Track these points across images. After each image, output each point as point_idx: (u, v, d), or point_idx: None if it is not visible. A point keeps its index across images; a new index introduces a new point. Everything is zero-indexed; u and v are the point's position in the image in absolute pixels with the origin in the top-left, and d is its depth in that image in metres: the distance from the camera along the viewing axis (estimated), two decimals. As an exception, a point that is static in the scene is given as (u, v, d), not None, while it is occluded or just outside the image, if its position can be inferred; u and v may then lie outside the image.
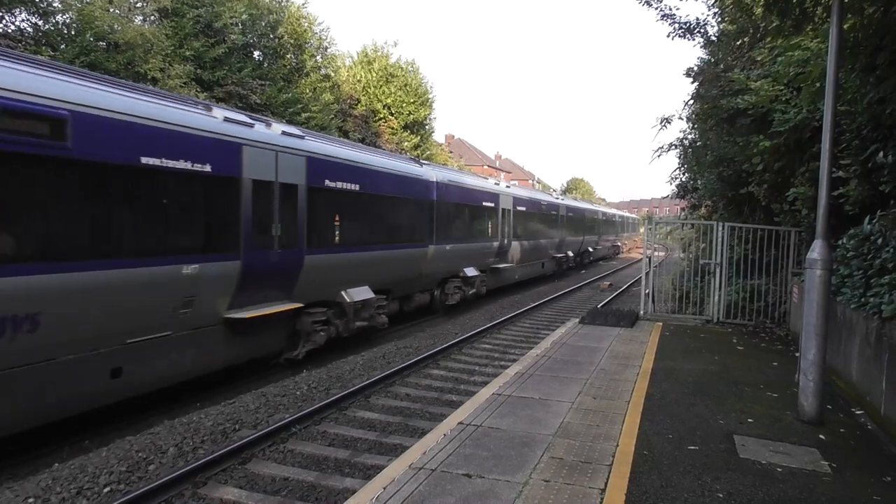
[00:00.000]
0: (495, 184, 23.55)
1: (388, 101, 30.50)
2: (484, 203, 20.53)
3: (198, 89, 18.85)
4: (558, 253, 30.71)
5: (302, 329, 11.43)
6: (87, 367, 7.35)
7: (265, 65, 23.76)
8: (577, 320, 12.78)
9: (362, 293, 12.81)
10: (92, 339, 7.38)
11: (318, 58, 27.67)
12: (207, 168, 8.91)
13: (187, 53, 19.37)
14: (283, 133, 10.99)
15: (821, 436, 5.93)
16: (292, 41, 24.75)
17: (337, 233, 12.30)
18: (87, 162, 7.19)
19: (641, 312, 13.50)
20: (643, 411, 6.48)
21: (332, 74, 29.11)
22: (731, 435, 5.84)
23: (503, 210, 22.11)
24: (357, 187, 12.82)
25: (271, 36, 23.71)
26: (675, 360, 9.06)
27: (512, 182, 30.44)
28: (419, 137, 31.94)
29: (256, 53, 23.90)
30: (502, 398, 6.84)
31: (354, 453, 7.07)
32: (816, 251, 6.20)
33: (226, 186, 9.35)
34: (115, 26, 17.02)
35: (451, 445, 5.30)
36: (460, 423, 5.94)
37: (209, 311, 9.17)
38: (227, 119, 9.61)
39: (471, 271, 19.14)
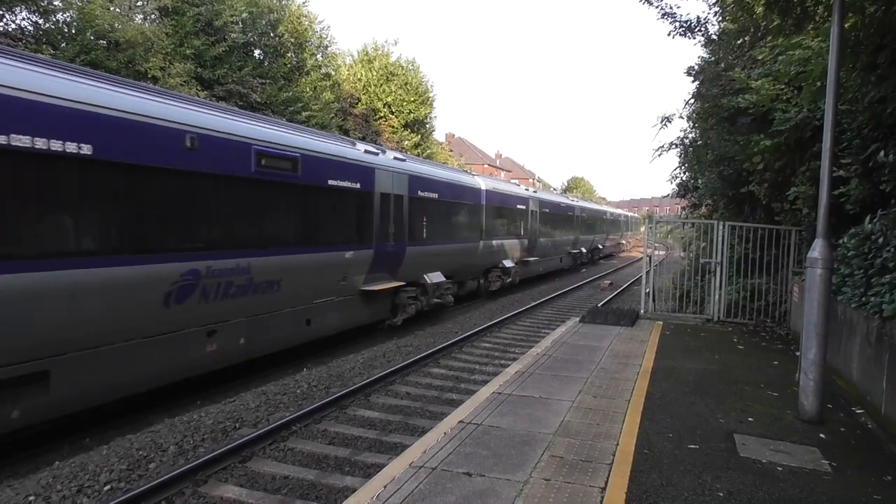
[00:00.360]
0: (525, 189, 26.85)
1: (389, 99, 30.48)
2: (518, 206, 23.89)
3: (198, 88, 18.84)
4: (574, 249, 33.83)
5: (399, 302, 14.88)
6: (297, 317, 11.23)
7: (266, 63, 23.76)
8: (578, 319, 12.78)
9: (437, 277, 16.34)
10: (301, 298, 11.18)
11: (318, 56, 27.66)
12: (357, 185, 12.76)
13: (188, 52, 19.36)
14: (395, 158, 15.04)
15: (821, 435, 5.93)
16: (293, 40, 24.75)
17: (424, 231, 15.86)
18: (306, 185, 11.12)
19: (642, 311, 13.50)
20: (643, 410, 6.48)
21: (333, 73, 29.09)
22: (731, 434, 5.84)
23: (531, 212, 25.42)
24: (436, 196, 16.51)
25: (272, 34, 23.70)
26: (675, 359, 9.06)
27: (532, 187, 33.26)
28: (420, 136, 31.91)
29: (257, 52, 23.90)
30: (503, 397, 6.84)
31: (355, 452, 7.07)
32: (817, 250, 6.20)
33: (366, 198, 13.21)
34: (116, 25, 17.02)
35: (452, 444, 5.31)
36: (461, 421, 5.94)
37: (354, 284, 12.99)
38: (366, 150, 13.66)
39: (508, 263, 22.40)
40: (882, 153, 7.25)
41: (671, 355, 9.36)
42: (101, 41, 17.08)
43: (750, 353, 9.91)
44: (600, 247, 42.27)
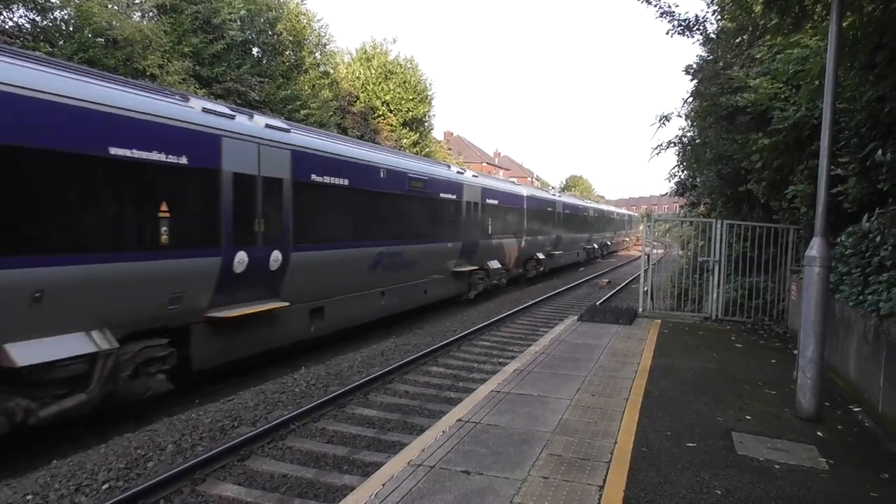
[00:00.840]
0: (552, 195, 33.29)
1: (387, 98, 30.43)
2: (547, 209, 29.04)
3: (196, 86, 18.81)
4: (588, 245, 39.54)
5: (472, 281, 20.03)
6: (421, 287, 16.34)
7: (264, 61, 23.71)
8: (576, 317, 12.79)
9: (496, 264, 21.60)
10: (424, 274, 16.32)
11: (316, 54, 27.63)
12: (453, 196, 18.24)
13: (186, 50, 19.33)
14: (473, 175, 21.07)
15: (819, 433, 5.94)
16: (291, 38, 24.70)
17: (489, 229, 21.01)
18: (429, 197, 16.40)
19: (640, 310, 13.51)
20: (641, 408, 6.49)
21: (331, 71, 29.06)
22: (729, 432, 5.85)
23: (557, 213, 30.64)
24: (497, 202, 21.78)
25: (270, 32, 23.66)
26: (673, 358, 9.07)
27: (556, 192, 42.56)
28: (418, 134, 31.88)
29: (255, 50, 23.85)
30: (501, 395, 6.85)
31: (353, 450, 7.08)
32: (815, 249, 6.21)
33: (458, 205, 18.62)
34: (114, 22, 16.97)
35: (450, 442, 5.31)
36: (459, 420, 5.94)
37: (448, 266, 18.15)
38: (458, 171, 19.83)
39: (540, 255, 27.59)
40: (880, 152, 7.26)
41: (669, 354, 9.37)
42: (99, 39, 17.04)
43: (748, 351, 9.93)
44: (609, 243, 48.31)
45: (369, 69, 30.76)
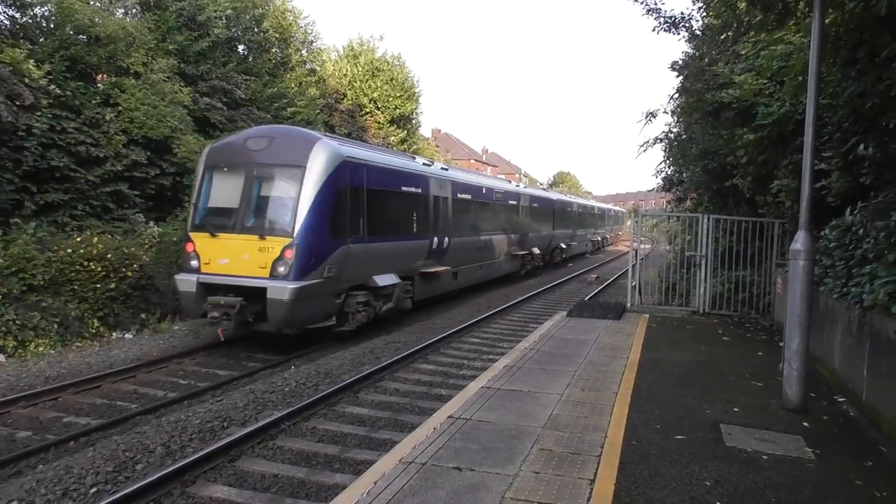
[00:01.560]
0: (569, 196, 43.42)
1: (375, 95, 30.33)
2: (566, 208, 35.95)
3: (181, 83, 18.68)
4: (594, 237, 47.49)
5: (524, 262, 26.65)
6: (497, 264, 23.04)
7: (250, 59, 23.54)
8: (565, 313, 12.85)
9: (537, 250, 28.07)
10: (499, 255, 23.21)
11: (303, 52, 27.50)
12: (514, 202, 25.04)
13: (170, 47, 19.14)
14: (516, 185, 29.54)
15: (805, 423, 6.03)
16: (277, 35, 24.55)
17: (531, 223, 27.35)
18: (505, 203, 23.71)
19: (628, 305, 13.59)
20: (631, 402, 6.55)
21: (318, 69, 28.93)
22: (717, 424, 5.93)
23: (573, 211, 38.18)
24: (538, 205, 28.65)
25: (256, 30, 23.48)
26: (661, 352, 9.15)
27: (571, 194, 53.61)
28: (406, 132, 31.82)
29: (241, 47, 23.66)
30: (491, 391, 6.88)
31: (344, 449, 7.09)
32: (800, 242, 6.29)
33: (515, 208, 25.18)
34: (96, 19, 16.76)
35: (441, 439, 5.34)
36: (450, 416, 5.98)
37: (510, 251, 24.27)
38: (515, 184, 30.09)
39: (563, 245, 34.43)
40: (862, 146, 7.35)
41: (658, 347, 9.45)
42: (81, 36, 16.83)
43: (735, 344, 10.03)
44: (608, 237, 56.34)
45: (356, 66, 30.64)
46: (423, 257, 16.41)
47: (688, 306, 13.50)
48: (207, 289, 11.33)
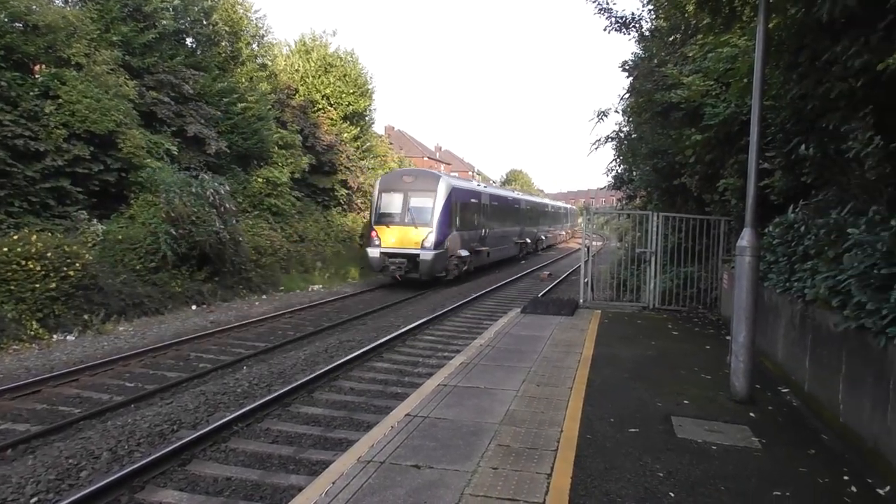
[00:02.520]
0: (546, 200, 56.81)
1: (327, 91, 29.94)
2: (546, 209, 48.20)
3: (126, 76, 18.12)
4: (560, 232, 56.93)
5: (521, 248, 35.69)
6: (509, 248, 32.85)
7: (198, 52, 22.98)
8: (519, 310, 12.98)
9: (529, 240, 37.37)
10: (510, 242, 32.99)
11: (254, 46, 26.95)
12: (517, 206, 35.87)
13: (114, 38, 18.50)
14: (516, 191, 47.84)
15: (751, 414, 6.23)
16: (227, 28, 23.98)
17: (526, 221, 36.94)
18: (516, 206, 35.59)
19: (581, 301, 13.80)
20: (585, 397, 6.66)
21: (269, 63, 28.39)
22: (668, 416, 6.07)
23: (549, 212, 49.84)
24: (529, 207, 39.50)
25: (205, 22, 22.88)
26: (614, 347, 9.32)
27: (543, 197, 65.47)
28: (359, 129, 31.49)
29: (189, 40, 23.04)
30: (448, 388, 6.91)
31: (299, 449, 7.02)
32: (745, 239, 6.49)
33: (516, 210, 35.12)
34: (34, 7, 16.10)
35: (399, 437, 5.34)
36: (407, 414, 5.98)
37: (514, 240, 33.89)
38: (512, 190, 48.46)
39: (543, 237, 44.10)
40: (803, 147, 7.60)
41: (610, 343, 9.63)
42: (17, 24, 16.15)
43: (684, 338, 10.29)
44: (567, 232, 63.19)
45: (308, 62, 30.18)
46: (477, 241, 26.12)
47: (638, 302, 13.78)
48: (385, 255, 21.58)
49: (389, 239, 21.64)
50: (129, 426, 7.62)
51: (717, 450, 5.22)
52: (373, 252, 21.87)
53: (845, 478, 4.73)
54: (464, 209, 24.18)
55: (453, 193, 22.79)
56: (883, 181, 6.14)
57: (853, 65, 5.93)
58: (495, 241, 29.19)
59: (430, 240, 21.19)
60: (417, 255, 21.11)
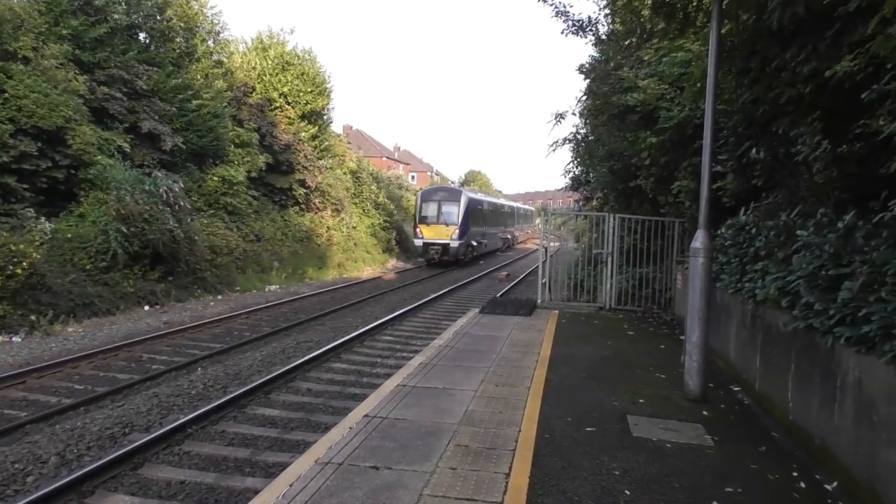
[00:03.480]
0: (518, 204, 63.53)
1: (285, 89, 29.55)
2: (518, 212, 57.40)
3: (76, 71, 17.60)
4: (529, 230, 64.65)
5: (504, 243, 46.96)
6: (495, 244, 43.40)
7: (152, 48, 22.45)
8: (478, 310, 13.02)
9: (509, 236, 49.30)
10: (497, 237, 44.11)
11: (209, 42, 26.47)
12: (503, 210, 48.70)
13: (64, 32, 17.95)
14: (507, 201, 56.89)
15: (704, 412, 6.36)
16: (182, 24, 23.47)
17: (507, 222, 49.50)
18: (502, 210, 48.20)
19: (539, 301, 13.91)
20: (543, 396, 6.71)
21: (226, 60, 27.94)
22: (624, 415, 6.16)
23: (519, 214, 57.52)
24: (510, 210, 52.31)
25: (158, 17, 22.38)
26: (571, 347, 9.42)
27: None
28: (317, 128, 31.18)
29: (142, 35, 22.51)
30: (407, 389, 6.89)
31: (255, 452, 6.91)
32: (699, 240, 6.62)
33: (504, 213, 48.63)
34: (-23, -2, 15.57)
35: (358, 438, 5.30)
36: (366, 415, 5.93)
37: (501, 235, 45.36)
38: (506, 200, 58.75)
39: (518, 234, 54.29)
40: (754, 150, 7.80)
41: (568, 343, 9.73)
42: (-41, 16, 15.58)
43: (639, 338, 10.46)
44: (527, 232, 67.34)
45: (266, 59, 29.75)
46: (480, 236, 36.29)
47: (595, 302, 13.95)
48: (426, 244, 31.33)
49: (429, 233, 31.76)
50: (78, 429, 7.41)
51: (672, 448, 5.31)
52: (418, 242, 32.56)
53: (794, 474, 4.86)
54: (474, 214, 34.64)
55: (469, 203, 33.27)
56: (830, 184, 6.33)
57: (802, 71, 6.12)
58: (490, 236, 40.77)
59: (456, 234, 31.44)
60: (448, 244, 31.34)
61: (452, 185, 53.35)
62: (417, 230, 32.41)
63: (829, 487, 4.63)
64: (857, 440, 4.40)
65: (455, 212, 31.92)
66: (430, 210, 32.18)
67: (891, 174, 4.64)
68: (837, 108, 6.17)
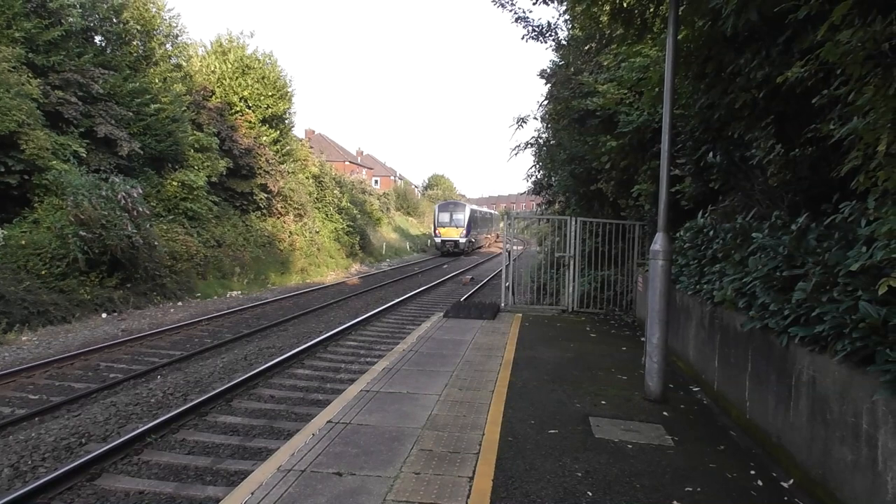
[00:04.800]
0: (494, 210, 79.38)
1: (245, 93, 29.18)
2: (493, 216, 69.60)
3: (30, 74, 17.14)
4: (493, 234, 70.44)
5: (487, 240, 64.40)
6: (479, 242, 61.47)
7: (108, 51, 21.98)
8: (442, 314, 13.02)
9: (491, 236, 66.80)
10: (483, 238, 62.78)
11: (168, 46, 26.02)
12: (487, 216, 66.14)
13: (17, 35, 17.48)
14: (491, 209, 78.31)
15: (664, 413, 6.45)
16: (139, 27, 23.03)
17: (490, 227, 67.50)
18: (486, 217, 66.20)
19: (502, 304, 13.98)
20: (507, 399, 6.73)
21: (184, 64, 27.50)
22: (587, 417, 6.21)
23: (495, 218, 68.58)
24: (490, 216, 67.92)
25: (115, 20, 21.91)
26: (534, 349, 9.48)
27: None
28: (278, 132, 30.86)
29: (98, 38, 22.01)
30: (371, 394, 6.84)
31: (217, 460, 6.80)
32: (658, 243, 6.72)
33: (487, 219, 65.79)
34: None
35: (321, 445, 5.24)
36: (329, 421, 5.88)
37: (485, 235, 62.98)
38: (492, 211, 77.42)
39: (493, 236, 67.92)
40: (711, 154, 7.97)
41: (531, 346, 9.79)
42: None
43: (601, 340, 10.57)
44: (492, 235, 72.16)
45: (225, 63, 29.33)
46: (475, 235, 52.84)
47: (558, 305, 14.08)
48: (443, 241, 49.77)
49: (445, 233, 49.62)
50: (32, 440, 7.22)
51: (633, 448, 5.37)
52: (437, 240, 50.12)
53: (752, 472, 4.96)
54: (473, 219, 51.55)
55: (471, 212, 51.40)
56: (784, 187, 6.50)
57: (755, 77, 6.26)
58: (481, 236, 56.76)
59: (463, 234, 49.51)
60: (458, 240, 49.25)
61: (460, 201, 67.95)
62: (437, 231, 50.56)
63: (785, 485, 4.73)
64: (811, 438, 4.51)
65: (462, 218, 50.17)
66: (445, 218, 50.38)
67: (841, 177, 4.77)
68: (790, 112, 6.33)
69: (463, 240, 49.52)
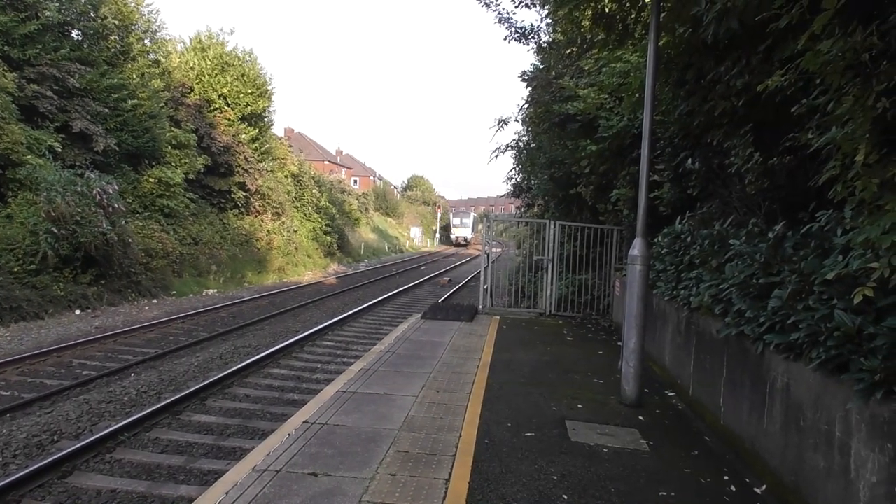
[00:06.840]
0: (474, 214, 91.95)
1: (224, 90, 28.89)
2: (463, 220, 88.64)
3: (5, 68, 16.83)
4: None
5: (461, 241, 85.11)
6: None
7: (86, 46, 21.63)
8: (419, 316, 13.00)
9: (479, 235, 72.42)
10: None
11: (146, 41, 25.70)
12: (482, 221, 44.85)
13: (-9, 27, 17.23)
14: (479, 216, 76.62)
15: (640, 417, 6.50)
16: (117, 22, 22.67)
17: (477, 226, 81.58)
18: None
19: (480, 307, 13.99)
20: (483, 402, 6.74)
21: (163, 60, 27.16)
22: (563, 420, 6.23)
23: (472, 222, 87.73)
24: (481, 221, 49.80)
25: (92, 15, 21.57)
26: (512, 352, 9.50)
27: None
28: (257, 130, 30.60)
29: (75, 33, 21.65)
30: (347, 395, 6.81)
31: (190, 459, 6.72)
32: (636, 248, 6.77)
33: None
34: None
35: (297, 445, 5.20)
36: (305, 422, 5.83)
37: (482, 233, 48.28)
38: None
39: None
40: (690, 161, 8.05)
41: (508, 348, 9.80)
42: None
43: (578, 344, 10.62)
44: (471, 237, 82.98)
45: (204, 60, 29.01)
46: (474, 234, 75.83)
47: (535, 308, 14.12)
48: (456, 237, 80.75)
49: (456, 232, 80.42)
50: (3, 437, 7.09)
51: (609, 452, 5.40)
52: (452, 236, 79.73)
53: (726, 477, 5.01)
54: (475, 222, 72.41)
55: (474, 217, 76.23)
56: (761, 195, 6.58)
57: (735, 84, 6.33)
58: (480, 235, 63.65)
59: (470, 233, 78.49)
60: (466, 237, 78.91)
61: (468, 209, 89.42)
62: (452, 230, 79.60)
63: (758, 491, 4.78)
64: (785, 444, 4.57)
65: (469, 222, 77.75)
66: (457, 221, 79.69)
67: (818, 186, 4.83)
68: (769, 121, 6.41)
69: (469, 236, 78.37)
